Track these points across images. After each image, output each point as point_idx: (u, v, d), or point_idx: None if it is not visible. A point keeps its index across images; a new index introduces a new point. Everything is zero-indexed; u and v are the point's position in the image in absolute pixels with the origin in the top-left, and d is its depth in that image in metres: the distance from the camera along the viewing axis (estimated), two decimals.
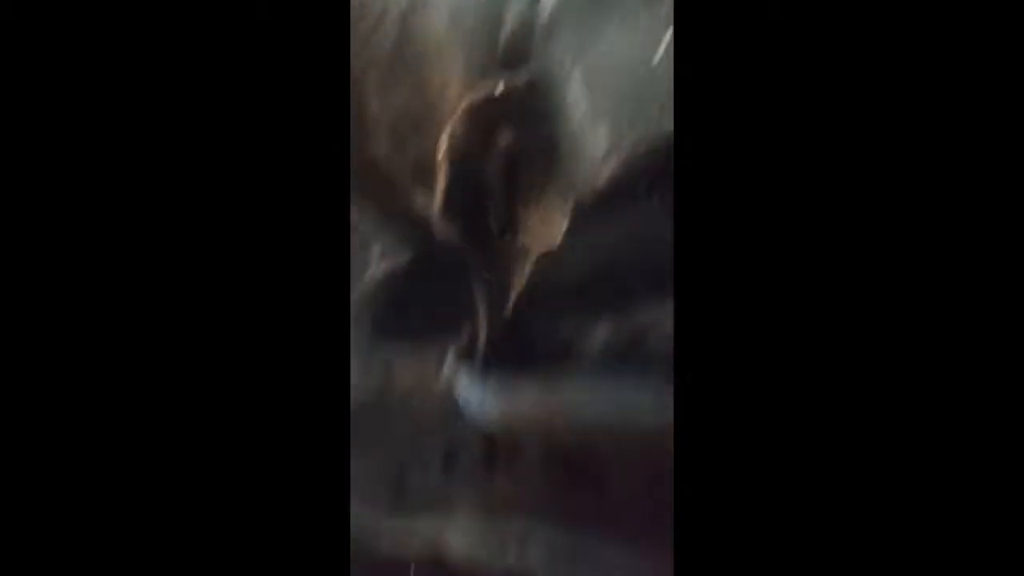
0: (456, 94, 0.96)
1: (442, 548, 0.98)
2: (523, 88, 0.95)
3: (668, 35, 0.88)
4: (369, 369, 1.00)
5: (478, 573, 0.96)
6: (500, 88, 0.94)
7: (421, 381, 1.00)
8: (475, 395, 0.97)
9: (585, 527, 0.96)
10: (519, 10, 0.95)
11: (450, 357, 0.98)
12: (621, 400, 0.94)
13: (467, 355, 0.97)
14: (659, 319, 0.93)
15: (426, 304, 1.01)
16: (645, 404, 0.91)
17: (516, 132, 0.95)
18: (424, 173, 0.97)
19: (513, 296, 0.97)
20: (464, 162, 0.95)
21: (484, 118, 0.95)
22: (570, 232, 0.93)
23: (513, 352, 0.97)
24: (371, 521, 0.98)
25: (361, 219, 0.99)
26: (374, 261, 1.01)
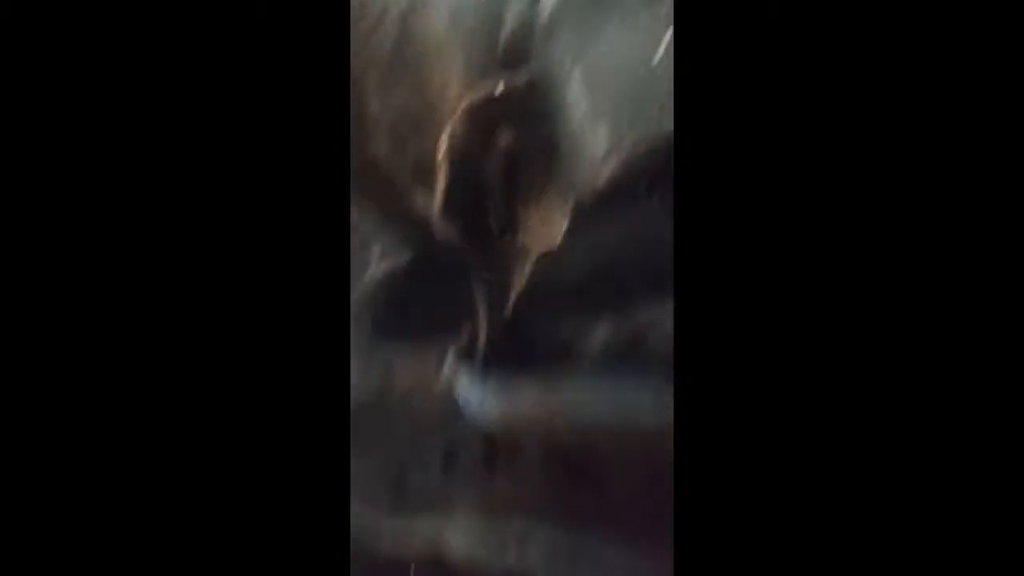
0: (456, 94, 0.96)
1: (442, 548, 0.98)
2: (523, 88, 0.95)
3: (668, 35, 0.88)
4: (369, 369, 1.00)
5: (478, 573, 0.96)
6: (500, 88, 0.94)
7: (421, 381, 1.00)
8: (475, 395, 0.97)
9: (585, 527, 0.95)
10: (519, 10, 0.95)
11: (450, 357, 0.98)
12: (621, 400, 0.94)
13: (467, 355, 0.97)
14: (659, 319, 0.93)
15: (426, 304, 1.01)
16: (645, 404, 0.91)
17: (516, 132, 0.95)
18: (424, 173, 0.97)
19: (513, 296, 0.96)
20: (464, 162, 0.95)
21: (484, 118, 0.95)
22: (570, 232, 0.93)
23: (513, 352, 0.97)
24: (371, 521, 0.98)
25: (361, 219, 0.99)
26: (374, 261, 1.01)
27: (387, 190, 0.99)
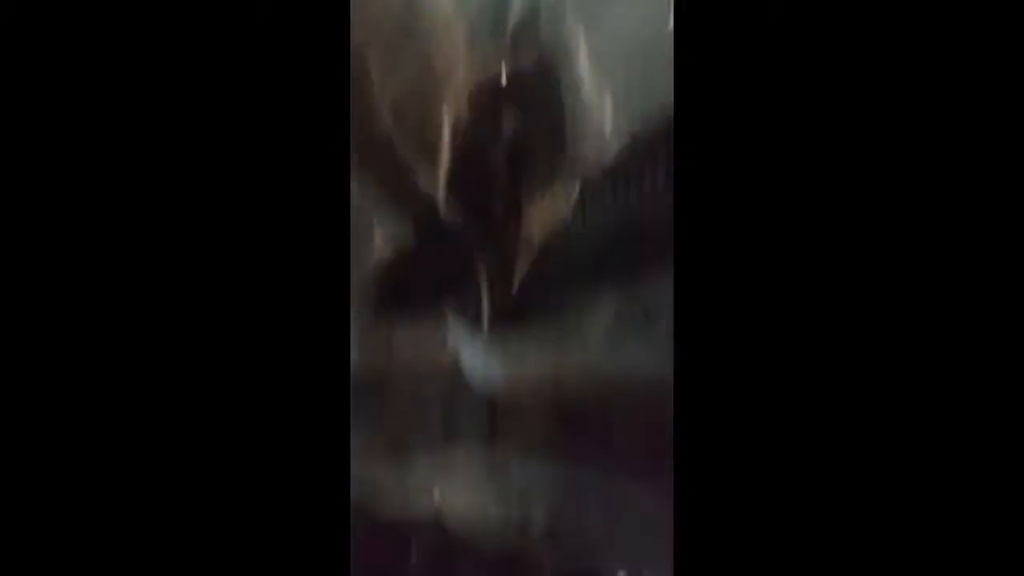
0: (461, 71, 0.96)
1: (443, 509, 0.98)
2: (529, 65, 0.94)
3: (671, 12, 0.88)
4: (370, 344, 1.00)
5: (480, 532, 0.96)
6: (506, 64, 0.94)
7: (424, 353, 1.00)
8: (479, 363, 0.97)
9: (587, 486, 0.96)
10: None
11: (452, 325, 0.98)
12: (624, 363, 0.94)
13: (471, 325, 0.98)
14: (662, 292, 0.92)
15: (430, 280, 1.01)
16: (648, 367, 0.92)
17: (522, 108, 0.95)
18: (428, 151, 0.96)
19: (518, 272, 0.96)
20: (469, 138, 0.95)
21: (489, 95, 0.95)
22: (576, 209, 0.93)
23: (517, 323, 0.97)
24: (371, 485, 0.99)
25: (362, 195, 0.98)
26: (376, 237, 1.01)
27: (389, 167, 0.99)
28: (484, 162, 0.96)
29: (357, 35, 0.87)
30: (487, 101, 0.95)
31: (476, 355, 0.97)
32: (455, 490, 0.97)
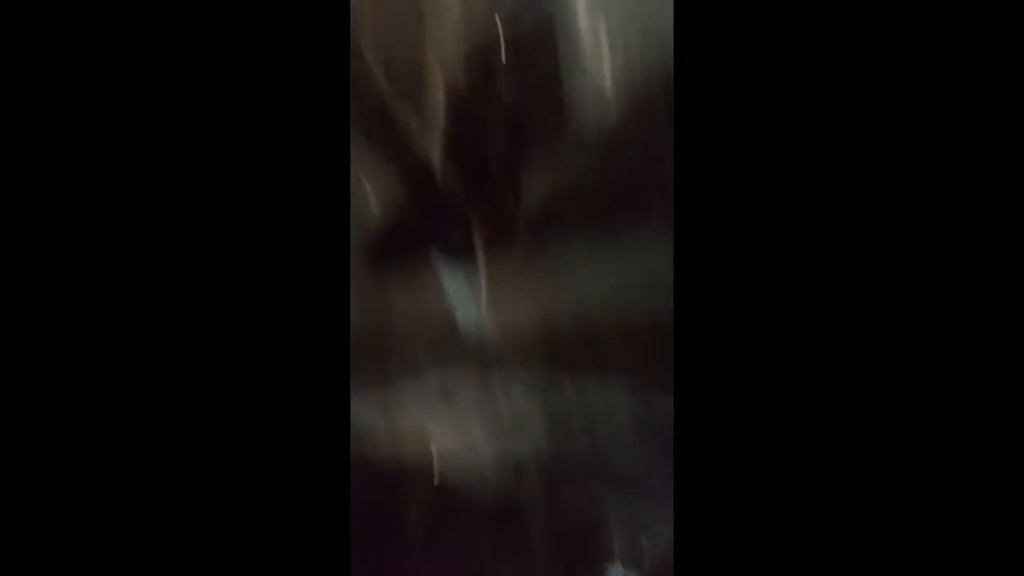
0: (460, 30, 0.95)
1: (439, 446, 0.99)
2: (528, 24, 0.94)
3: None
4: (368, 298, 1.00)
5: (474, 475, 0.97)
6: (502, 23, 0.94)
7: (422, 308, 1.00)
8: (469, 308, 0.97)
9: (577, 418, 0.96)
10: None
11: (448, 274, 0.98)
12: (619, 288, 0.94)
13: (466, 274, 0.98)
14: (660, 246, 0.92)
15: (427, 239, 1.01)
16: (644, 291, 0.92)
17: (522, 67, 0.95)
18: (425, 112, 0.96)
19: (514, 230, 0.96)
20: (467, 97, 0.95)
21: (488, 53, 0.94)
22: (574, 168, 0.93)
23: (511, 271, 0.97)
24: (369, 428, 0.99)
25: (360, 157, 0.98)
26: (373, 199, 1.01)
27: (387, 129, 0.99)
28: (481, 124, 0.96)
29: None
30: (484, 62, 0.95)
31: (469, 305, 0.97)
32: (448, 433, 0.97)
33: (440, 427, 0.99)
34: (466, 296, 0.98)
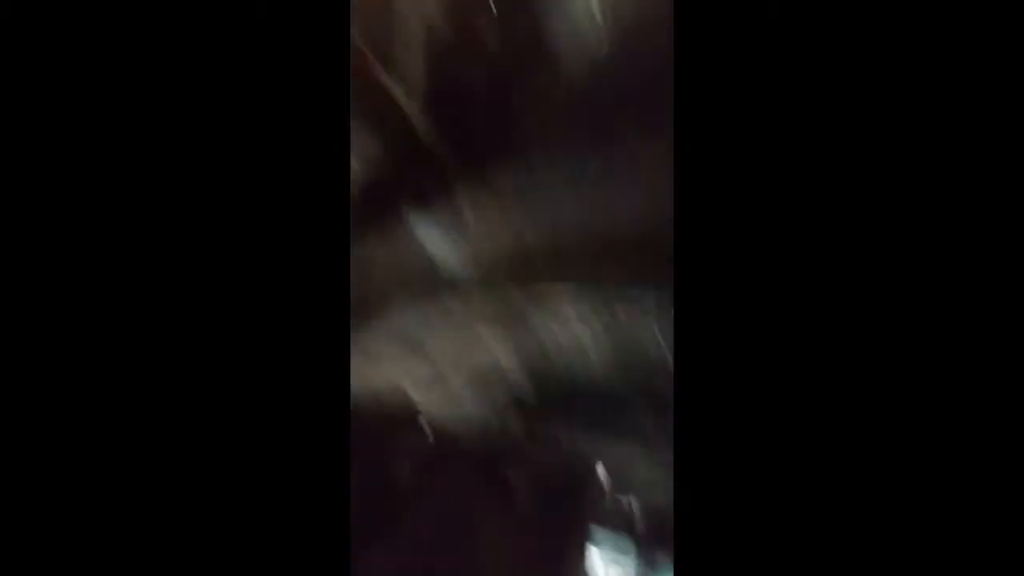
0: None
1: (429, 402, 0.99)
2: None
3: None
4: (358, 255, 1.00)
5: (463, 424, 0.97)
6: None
7: (404, 257, 1.00)
8: (454, 255, 0.96)
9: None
10: None
11: (431, 227, 0.98)
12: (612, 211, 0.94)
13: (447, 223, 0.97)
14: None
15: (412, 197, 1.00)
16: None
17: (506, 26, 0.93)
18: (405, 70, 0.94)
19: (501, 185, 0.95)
20: (452, 55, 0.93)
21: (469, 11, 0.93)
22: (564, 124, 0.92)
23: (495, 218, 0.96)
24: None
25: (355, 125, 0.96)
26: (359, 162, 1.00)
27: (367, 85, 0.97)
28: (469, 76, 0.94)
29: None
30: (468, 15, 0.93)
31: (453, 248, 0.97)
32: (437, 382, 0.98)
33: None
34: (455, 249, 0.98)
